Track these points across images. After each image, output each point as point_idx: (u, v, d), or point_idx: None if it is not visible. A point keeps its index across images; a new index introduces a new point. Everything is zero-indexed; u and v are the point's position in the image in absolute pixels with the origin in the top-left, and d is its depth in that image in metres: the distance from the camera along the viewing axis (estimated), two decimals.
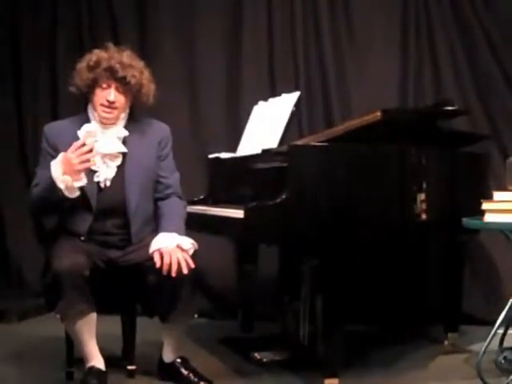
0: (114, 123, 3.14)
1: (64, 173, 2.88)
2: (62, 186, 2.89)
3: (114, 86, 3.10)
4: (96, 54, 3.14)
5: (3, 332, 4.22)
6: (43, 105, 5.10)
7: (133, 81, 3.11)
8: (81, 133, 3.08)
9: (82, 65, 3.15)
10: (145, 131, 3.23)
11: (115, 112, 3.12)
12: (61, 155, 2.92)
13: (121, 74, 3.08)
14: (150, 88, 3.20)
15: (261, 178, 3.37)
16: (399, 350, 3.73)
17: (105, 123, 3.13)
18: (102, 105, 3.10)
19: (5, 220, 5.15)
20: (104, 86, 3.11)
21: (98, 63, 3.10)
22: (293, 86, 4.45)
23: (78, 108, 3.28)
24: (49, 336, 3.88)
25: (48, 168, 2.98)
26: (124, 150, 3.13)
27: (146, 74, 3.20)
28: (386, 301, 4.25)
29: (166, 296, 2.99)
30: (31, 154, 5.01)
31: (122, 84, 3.11)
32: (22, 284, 5.03)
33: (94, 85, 3.11)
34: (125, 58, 3.13)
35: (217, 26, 4.82)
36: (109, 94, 3.10)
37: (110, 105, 3.10)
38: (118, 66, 3.09)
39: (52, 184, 2.91)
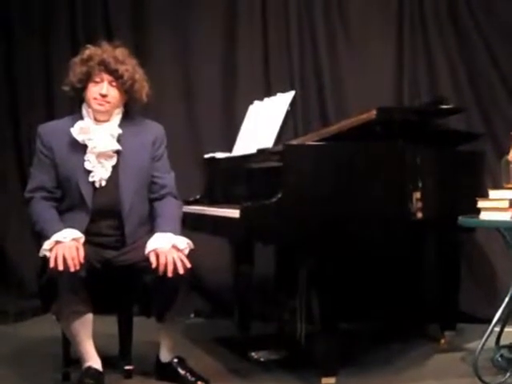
0: (107, 120, 3.14)
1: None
2: (46, 247, 2.91)
3: (106, 79, 3.11)
4: (89, 49, 3.15)
5: None
6: (38, 107, 5.09)
7: (126, 75, 3.11)
8: (74, 130, 3.08)
9: (75, 59, 3.16)
10: (139, 131, 3.22)
11: (108, 106, 3.12)
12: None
13: (113, 67, 3.09)
14: (142, 84, 3.20)
15: (256, 177, 3.37)
16: (396, 348, 3.73)
17: (98, 119, 3.13)
18: (95, 99, 3.10)
19: (2, 220, 5.14)
20: (97, 79, 3.11)
21: (91, 57, 3.12)
22: (288, 85, 4.45)
23: (73, 111, 3.27)
24: (45, 336, 3.88)
25: (43, 172, 3.08)
26: (118, 147, 3.12)
27: (139, 71, 3.21)
28: (382, 299, 4.25)
29: (163, 296, 3.00)
30: (27, 153, 4.98)
31: (115, 78, 3.11)
32: (18, 285, 5.01)
33: (87, 79, 3.12)
34: (118, 53, 3.15)
35: (211, 25, 4.82)
36: (101, 87, 3.10)
37: (103, 98, 3.10)
38: (111, 59, 3.10)
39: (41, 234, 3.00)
